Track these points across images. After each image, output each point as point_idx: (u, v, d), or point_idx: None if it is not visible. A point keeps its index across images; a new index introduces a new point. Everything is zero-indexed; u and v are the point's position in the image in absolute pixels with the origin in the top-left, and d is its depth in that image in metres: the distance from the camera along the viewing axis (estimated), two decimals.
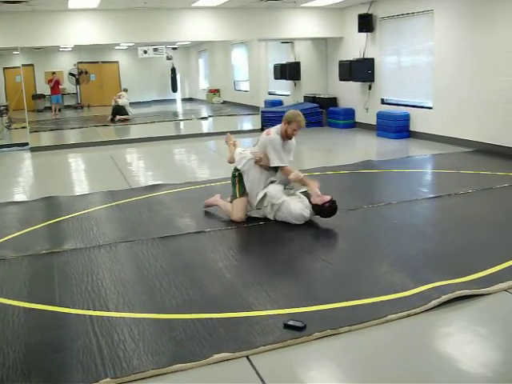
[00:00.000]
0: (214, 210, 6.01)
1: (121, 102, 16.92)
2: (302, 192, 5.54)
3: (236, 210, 5.62)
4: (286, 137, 5.58)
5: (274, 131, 5.62)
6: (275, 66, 16.13)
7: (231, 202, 5.76)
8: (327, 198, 5.36)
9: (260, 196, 5.54)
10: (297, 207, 5.39)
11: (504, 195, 6.42)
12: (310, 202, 5.40)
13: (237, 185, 5.69)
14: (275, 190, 5.49)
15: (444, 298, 3.61)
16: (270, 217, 5.56)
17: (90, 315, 3.63)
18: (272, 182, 5.62)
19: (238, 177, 5.70)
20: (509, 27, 8.58)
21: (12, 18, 10.77)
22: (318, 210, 5.38)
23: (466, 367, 2.94)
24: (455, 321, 3.46)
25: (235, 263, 4.57)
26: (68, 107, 22.09)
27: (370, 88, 12.39)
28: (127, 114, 16.82)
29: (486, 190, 6.55)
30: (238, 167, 5.70)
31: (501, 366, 3.00)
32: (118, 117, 16.44)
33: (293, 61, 15.48)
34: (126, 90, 17.85)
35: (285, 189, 5.62)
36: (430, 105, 10.72)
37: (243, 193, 5.65)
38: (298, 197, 5.49)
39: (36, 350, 3.22)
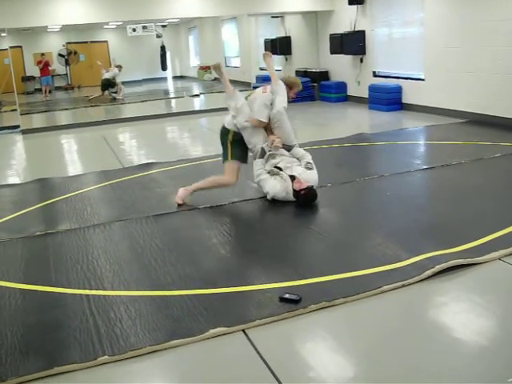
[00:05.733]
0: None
1: (107, 75, 16.65)
2: (290, 175, 5.30)
3: (228, 172, 5.43)
4: None
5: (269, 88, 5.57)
6: (266, 41, 15.97)
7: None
8: (305, 184, 5.20)
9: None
10: (273, 188, 5.28)
11: (497, 165, 6.42)
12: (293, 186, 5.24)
13: (229, 146, 5.45)
14: (255, 165, 5.42)
15: (438, 267, 3.63)
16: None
17: (87, 294, 3.64)
18: (272, 156, 5.44)
19: (231, 139, 5.45)
20: None
21: None
22: (295, 195, 5.22)
23: (461, 335, 2.97)
24: (450, 290, 3.48)
25: (229, 239, 4.58)
26: (58, 88, 21.91)
27: (361, 61, 12.32)
28: (115, 86, 16.60)
29: (478, 161, 6.55)
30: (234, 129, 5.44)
31: (495, 333, 3.04)
32: (106, 92, 16.24)
33: (283, 35, 15.36)
34: (118, 66, 17.40)
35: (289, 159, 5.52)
36: (421, 76, 10.67)
37: (237, 156, 5.45)
38: (281, 177, 5.31)
39: (34, 331, 3.23)
